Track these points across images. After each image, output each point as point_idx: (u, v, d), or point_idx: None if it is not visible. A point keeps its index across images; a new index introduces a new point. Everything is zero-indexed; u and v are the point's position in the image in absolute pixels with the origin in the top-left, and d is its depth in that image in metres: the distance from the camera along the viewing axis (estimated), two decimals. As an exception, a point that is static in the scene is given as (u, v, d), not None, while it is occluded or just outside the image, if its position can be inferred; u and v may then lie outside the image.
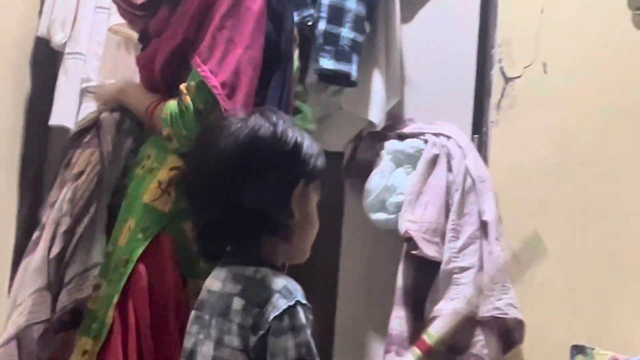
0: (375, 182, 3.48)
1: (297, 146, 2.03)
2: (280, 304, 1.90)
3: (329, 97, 3.54)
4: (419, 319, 3.35)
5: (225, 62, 2.67)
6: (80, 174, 2.88)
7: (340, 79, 3.41)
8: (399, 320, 3.33)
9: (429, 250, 3.33)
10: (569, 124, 3.63)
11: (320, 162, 2.07)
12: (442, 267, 3.32)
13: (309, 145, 2.05)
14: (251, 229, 2.00)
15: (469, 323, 3.30)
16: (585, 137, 3.63)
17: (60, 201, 2.86)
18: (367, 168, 3.54)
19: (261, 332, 1.90)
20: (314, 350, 1.90)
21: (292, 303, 1.91)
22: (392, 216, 3.45)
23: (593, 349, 3.21)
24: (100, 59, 3.60)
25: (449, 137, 3.50)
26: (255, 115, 2.07)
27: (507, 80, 3.66)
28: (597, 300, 3.57)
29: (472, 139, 3.60)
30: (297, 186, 2.01)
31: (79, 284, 2.81)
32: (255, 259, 2.00)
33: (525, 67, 3.66)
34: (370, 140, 3.58)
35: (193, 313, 2.10)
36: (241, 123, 2.05)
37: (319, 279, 3.41)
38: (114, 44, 3.59)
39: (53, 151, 3.74)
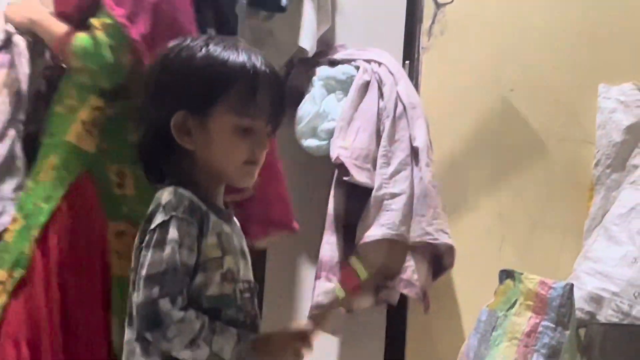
0: (307, 108, 3.48)
1: (189, 70, 1.95)
2: (157, 218, 1.86)
3: (260, 23, 3.51)
4: (349, 244, 3.37)
5: (140, 13, 2.68)
6: None
7: (270, 4, 3.38)
8: (329, 246, 3.35)
9: (360, 176, 3.34)
10: (499, 50, 3.64)
11: (222, 85, 1.94)
12: (373, 193, 3.33)
13: (209, 68, 1.94)
14: (154, 148, 1.97)
15: (400, 248, 3.34)
16: (515, 63, 3.64)
17: None
18: (298, 95, 3.53)
19: (142, 247, 1.87)
20: (178, 267, 1.83)
21: (167, 218, 1.85)
22: (324, 142, 3.44)
23: (522, 273, 3.24)
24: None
25: (380, 64, 3.49)
26: (193, 38, 2.02)
27: (438, 6, 3.65)
28: (526, 226, 3.62)
29: (404, 65, 3.60)
30: (178, 109, 1.93)
31: None
32: (175, 180, 1.94)
33: (457, -7, 3.66)
34: (302, 67, 3.57)
35: None
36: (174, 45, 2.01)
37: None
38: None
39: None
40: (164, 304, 1.80)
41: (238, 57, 1.95)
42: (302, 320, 2.19)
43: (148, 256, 1.83)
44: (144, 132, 1.99)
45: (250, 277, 1.99)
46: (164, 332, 1.81)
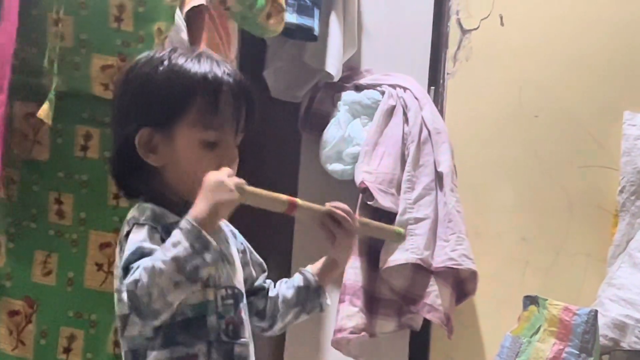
0: (332, 133, 3.49)
1: (147, 86, 1.87)
2: (123, 233, 1.81)
3: (287, 48, 3.54)
4: (373, 269, 3.37)
5: None
6: None
7: (301, 33, 3.39)
8: (353, 270, 3.35)
9: (384, 201, 3.35)
10: (524, 77, 3.65)
11: (182, 102, 1.86)
12: (398, 217, 3.33)
13: (169, 87, 1.85)
14: (122, 164, 1.90)
15: (423, 273, 3.34)
16: (540, 89, 3.65)
17: None
18: (324, 119, 3.54)
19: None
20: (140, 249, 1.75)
21: (129, 228, 1.79)
22: (349, 167, 3.46)
23: (546, 299, 3.23)
24: None
25: (405, 89, 3.50)
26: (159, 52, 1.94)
27: (464, 32, 3.66)
28: (550, 252, 3.61)
29: (429, 91, 3.61)
30: (142, 127, 1.85)
31: None
32: (147, 197, 1.88)
33: (482, 19, 3.66)
34: (327, 92, 3.58)
35: None
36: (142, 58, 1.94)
37: (275, 230, 3.42)
38: None
39: None
40: (126, 279, 1.71)
41: (199, 68, 1.87)
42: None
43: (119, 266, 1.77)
44: (114, 149, 1.93)
45: (235, 283, 1.92)
46: (142, 297, 1.69)
